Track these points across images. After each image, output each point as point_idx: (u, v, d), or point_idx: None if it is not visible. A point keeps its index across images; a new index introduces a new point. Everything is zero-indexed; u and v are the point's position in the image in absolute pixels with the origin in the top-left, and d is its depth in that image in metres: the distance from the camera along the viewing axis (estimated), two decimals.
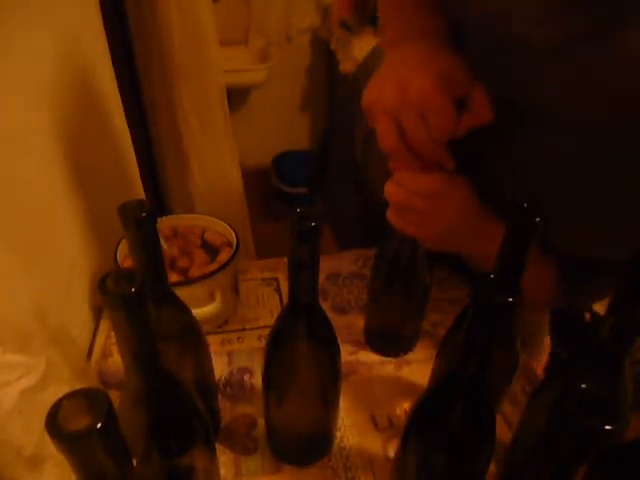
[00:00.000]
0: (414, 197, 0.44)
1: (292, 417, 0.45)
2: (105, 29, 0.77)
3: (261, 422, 0.51)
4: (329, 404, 0.45)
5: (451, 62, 0.41)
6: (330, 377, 0.43)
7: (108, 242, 0.60)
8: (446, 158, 0.43)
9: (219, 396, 0.52)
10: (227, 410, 0.52)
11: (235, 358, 0.58)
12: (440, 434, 0.35)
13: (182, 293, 0.43)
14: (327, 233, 0.80)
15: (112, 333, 0.59)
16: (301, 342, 0.40)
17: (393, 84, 0.41)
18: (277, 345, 0.41)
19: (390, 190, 0.46)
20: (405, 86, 0.40)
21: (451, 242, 0.48)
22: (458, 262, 0.66)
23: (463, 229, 0.46)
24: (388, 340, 0.60)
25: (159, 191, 1.05)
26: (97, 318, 0.63)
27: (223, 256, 0.61)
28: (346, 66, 1.73)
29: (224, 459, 0.48)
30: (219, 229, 0.65)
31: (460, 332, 0.30)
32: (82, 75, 0.67)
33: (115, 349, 0.59)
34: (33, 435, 0.36)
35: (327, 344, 0.41)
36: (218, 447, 0.48)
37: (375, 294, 0.57)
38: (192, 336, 0.44)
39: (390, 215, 0.47)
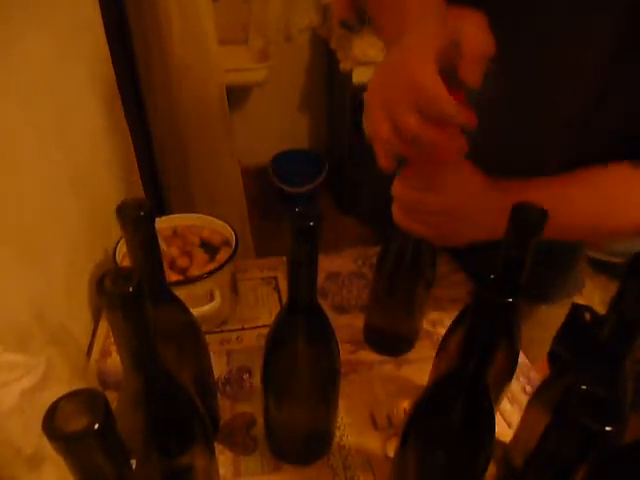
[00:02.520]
0: (425, 196, 0.42)
1: (291, 416, 0.45)
2: (105, 29, 0.77)
3: (260, 421, 0.51)
4: (328, 403, 0.45)
5: (441, 38, 0.38)
6: (329, 376, 0.43)
7: (107, 242, 0.60)
8: (465, 115, 0.37)
9: (218, 395, 0.52)
10: (226, 409, 0.52)
11: (234, 357, 0.58)
12: (440, 433, 0.35)
13: (181, 293, 0.42)
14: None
15: (111, 333, 0.59)
16: (300, 341, 0.40)
17: (388, 76, 0.40)
18: (276, 344, 0.41)
19: (399, 189, 0.44)
20: (398, 79, 0.38)
21: (464, 238, 0.46)
22: (459, 260, 0.65)
23: (477, 222, 0.45)
24: (388, 339, 0.60)
25: (159, 191, 1.05)
26: (96, 318, 0.63)
27: (222, 255, 0.61)
28: (346, 65, 1.73)
29: (223, 458, 0.48)
30: (218, 228, 0.65)
31: (460, 331, 0.30)
32: (82, 75, 0.66)
33: (114, 349, 0.59)
34: (33, 435, 0.36)
35: (326, 343, 0.41)
36: (217, 446, 0.48)
37: (378, 293, 0.57)
38: (191, 336, 0.44)
39: (397, 215, 0.45)
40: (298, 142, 2.19)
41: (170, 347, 0.39)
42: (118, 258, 0.58)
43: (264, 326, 0.63)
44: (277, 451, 0.48)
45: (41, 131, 0.53)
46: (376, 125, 0.39)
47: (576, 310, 0.56)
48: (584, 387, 0.25)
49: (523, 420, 0.43)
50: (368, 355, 0.59)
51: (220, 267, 0.57)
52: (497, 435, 0.33)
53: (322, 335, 0.41)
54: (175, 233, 0.66)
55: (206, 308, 0.57)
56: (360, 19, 1.81)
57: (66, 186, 0.58)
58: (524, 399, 0.53)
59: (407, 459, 0.37)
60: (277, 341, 0.41)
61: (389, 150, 0.40)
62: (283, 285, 0.69)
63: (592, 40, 0.43)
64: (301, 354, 0.41)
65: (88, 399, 0.21)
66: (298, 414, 0.45)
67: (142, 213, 0.32)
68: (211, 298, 0.58)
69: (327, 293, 0.68)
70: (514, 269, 0.36)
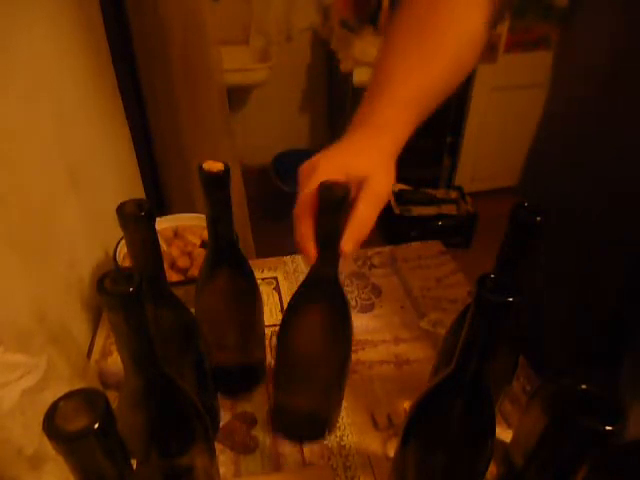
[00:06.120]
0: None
1: (303, 388, 0.46)
2: (105, 28, 0.77)
3: (261, 421, 0.51)
4: (340, 373, 0.46)
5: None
6: (344, 345, 0.44)
7: (108, 242, 0.60)
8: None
9: (218, 395, 0.52)
10: (227, 409, 0.52)
11: None
12: (440, 433, 0.34)
13: (181, 293, 0.42)
14: None
15: (112, 333, 0.59)
16: (320, 311, 0.42)
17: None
18: (296, 314, 0.43)
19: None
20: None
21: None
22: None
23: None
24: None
25: (159, 191, 1.05)
26: (97, 318, 0.63)
27: None
28: (346, 65, 1.73)
29: (224, 458, 0.48)
30: None
31: (461, 331, 0.30)
32: (83, 75, 0.67)
33: (115, 348, 0.59)
34: (33, 435, 0.36)
35: (343, 314, 0.43)
36: (218, 446, 0.48)
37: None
38: (192, 336, 0.44)
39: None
40: (298, 142, 2.19)
41: (170, 347, 0.39)
42: (118, 258, 0.58)
43: (265, 326, 0.63)
44: (282, 427, 0.50)
45: (41, 131, 0.53)
46: None
47: None
48: (583, 387, 0.25)
49: (523, 420, 0.43)
50: (368, 355, 0.59)
51: None
52: (497, 435, 0.33)
53: (340, 307, 0.42)
54: (176, 233, 0.66)
55: None
56: (360, 20, 1.81)
57: (66, 186, 0.58)
58: (524, 399, 0.53)
59: (407, 459, 0.37)
60: (297, 310, 0.42)
61: None
62: (284, 285, 0.69)
63: None
64: (320, 323, 0.43)
65: (88, 399, 0.21)
66: (310, 384, 0.46)
67: (142, 213, 0.32)
68: None
69: None
70: (514, 269, 0.36)
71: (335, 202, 0.33)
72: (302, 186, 0.37)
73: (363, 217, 0.36)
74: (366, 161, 0.38)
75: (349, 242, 0.35)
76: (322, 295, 0.41)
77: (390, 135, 0.40)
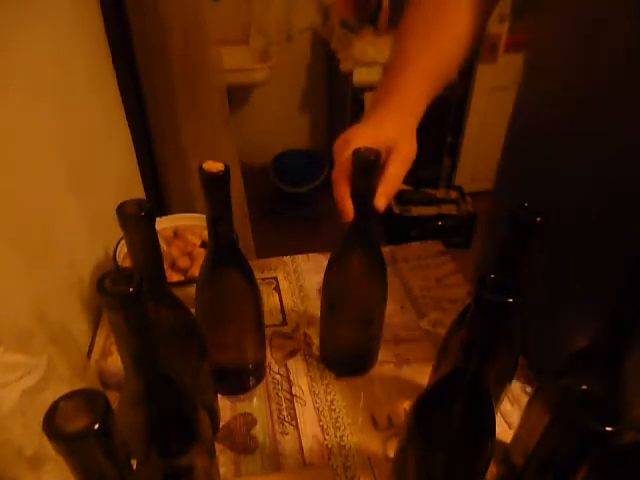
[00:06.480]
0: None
1: (348, 326, 0.53)
2: (106, 29, 0.77)
3: (261, 422, 0.51)
4: (379, 311, 0.52)
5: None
6: (381, 286, 0.50)
7: (108, 242, 0.60)
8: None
9: (218, 395, 0.52)
10: (227, 409, 0.52)
11: None
12: (440, 433, 0.34)
13: (181, 293, 0.42)
14: None
15: (112, 333, 0.59)
16: (359, 258, 0.48)
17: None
18: (339, 261, 0.49)
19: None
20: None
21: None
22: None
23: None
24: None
25: (159, 191, 1.05)
26: (97, 318, 0.63)
27: None
28: (346, 65, 1.73)
29: (223, 458, 0.48)
30: None
31: (460, 332, 0.30)
32: (83, 75, 0.67)
33: (115, 348, 0.59)
34: (34, 435, 0.36)
35: (379, 260, 0.49)
36: (218, 446, 0.48)
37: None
38: (192, 336, 0.44)
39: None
40: (298, 142, 2.20)
41: (170, 347, 0.39)
42: (118, 258, 0.58)
43: (265, 326, 0.63)
44: (330, 363, 0.56)
45: (41, 131, 0.53)
46: None
47: None
48: (583, 387, 0.25)
49: (523, 420, 0.43)
50: None
51: None
52: (497, 435, 0.33)
53: (376, 255, 0.48)
54: (176, 233, 0.66)
55: None
56: (360, 19, 1.81)
57: (66, 186, 0.58)
58: (524, 399, 0.53)
59: (407, 459, 0.37)
60: (339, 260, 0.48)
61: None
62: (284, 285, 0.69)
63: None
64: (359, 269, 0.48)
65: (88, 399, 0.21)
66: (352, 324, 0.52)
67: (142, 213, 0.32)
68: None
69: None
70: (514, 269, 0.36)
71: (368, 165, 0.39)
72: (337, 156, 0.43)
73: (393, 176, 0.42)
74: (392, 130, 0.44)
75: (382, 198, 0.42)
76: (360, 244, 0.47)
77: (409, 109, 0.47)
